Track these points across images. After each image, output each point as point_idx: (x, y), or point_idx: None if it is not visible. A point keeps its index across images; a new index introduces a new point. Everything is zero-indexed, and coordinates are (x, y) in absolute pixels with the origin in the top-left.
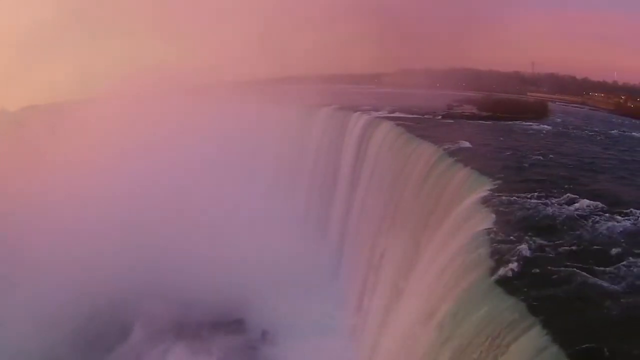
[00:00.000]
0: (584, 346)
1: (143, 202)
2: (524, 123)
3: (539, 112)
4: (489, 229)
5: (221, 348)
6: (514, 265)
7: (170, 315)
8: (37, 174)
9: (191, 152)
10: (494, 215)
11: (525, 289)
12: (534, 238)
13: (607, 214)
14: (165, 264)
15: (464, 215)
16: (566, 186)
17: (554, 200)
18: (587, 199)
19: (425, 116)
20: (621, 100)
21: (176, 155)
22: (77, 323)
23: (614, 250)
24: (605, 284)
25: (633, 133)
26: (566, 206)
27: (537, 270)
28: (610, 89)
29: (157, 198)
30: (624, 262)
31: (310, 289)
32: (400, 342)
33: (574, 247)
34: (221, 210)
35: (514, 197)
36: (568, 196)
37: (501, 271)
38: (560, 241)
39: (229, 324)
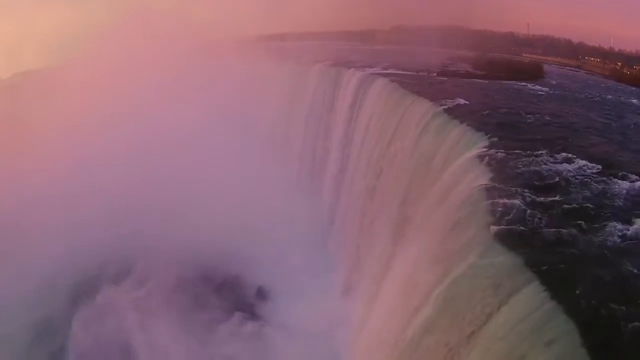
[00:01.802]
0: (581, 302)
1: (139, 162)
2: (519, 83)
3: (534, 73)
4: (485, 185)
5: (217, 305)
6: (511, 222)
7: (166, 272)
8: (32, 141)
9: (186, 111)
10: (490, 172)
11: (523, 245)
12: (530, 195)
13: (602, 175)
14: (161, 223)
15: (460, 171)
16: (562, 146)
17: (550, 159)
18: (582, 159)
19: (420, 73)
20: (617, 67)
21: (172, 114)
22: (70, 282)
23: (610, 210)
24: (601, 241)
25: (629, 99)
26: (562, 165)
27: (534, 227)
28: (606, 54)
29: (152, 157)
30: (620, 221)
31: (304, 248)
32: (396, 299)
33: (570, 205)
34: (215, 169)
35: (510, 155)
36: (564, 156)
37: (498, 227)
38: (556, 199)
39: (224, 281)
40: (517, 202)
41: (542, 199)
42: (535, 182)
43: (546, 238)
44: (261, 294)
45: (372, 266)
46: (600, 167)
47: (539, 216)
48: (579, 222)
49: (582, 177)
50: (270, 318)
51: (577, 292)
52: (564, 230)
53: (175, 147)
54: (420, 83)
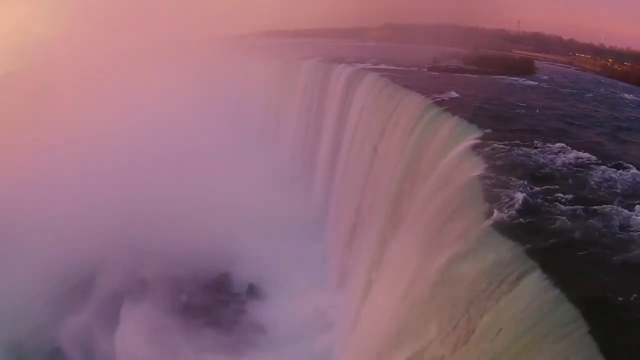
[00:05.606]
0: (583, 290)
1: (133, 156)
2: (511, 78)
3: (525, 68)
4: (480, 175)
5: (208, 302)
6: (508, 211)
7: (157, 268)
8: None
9: (179, 107)
10: (484, 162)
11: (522, 234)
12: (526, 184)
13: (596, 164)
14: (153, 217)
15: (454, 162)
16: (556, 138)
17: (543, 150)
18: (577, 150)
19: (411, 69)
20: (608, 63)
21: (166, 110)
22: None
23: (604, 198)
24: (598, 229)
25: (620, 94)
26: (556, 156)
27: (532, 216)
28: (596, 51)
29: (145, 152)
30: (615, 210)
31: (297, 242)
32: (390, 294)
33: (566, 194)
34: (208, 163)
35: (504, 146)
36: (558, 146)
37: (496, 217)
38: (551, 188)
39: (216, 277)
40: (512, 191)
41: (537, 188)
42: (529, 172)
43: (543, 227)
44: (252, 291)
45: (367, 259)
46: (593, 157)
47: (535, 205)
48: (575, 210)
49: (576, 167)
50: (262, 314)
51: (579, 280)
52: (561, 219)
53: (169, 142)
54: (412, 78)
